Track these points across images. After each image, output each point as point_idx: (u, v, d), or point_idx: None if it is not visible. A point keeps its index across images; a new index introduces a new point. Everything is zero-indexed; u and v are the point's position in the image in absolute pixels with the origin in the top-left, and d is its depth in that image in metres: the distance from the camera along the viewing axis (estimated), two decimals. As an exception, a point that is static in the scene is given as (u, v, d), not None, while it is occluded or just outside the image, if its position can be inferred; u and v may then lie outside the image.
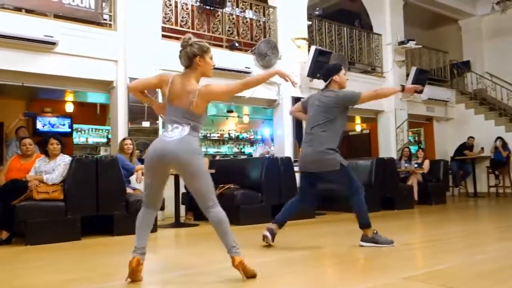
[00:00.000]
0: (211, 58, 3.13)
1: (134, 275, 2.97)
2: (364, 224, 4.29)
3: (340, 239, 5.11)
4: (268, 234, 4.40)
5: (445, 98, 12.05)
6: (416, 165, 9.25)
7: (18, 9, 6.34)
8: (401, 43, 10.70)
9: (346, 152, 13.64)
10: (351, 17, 11.70)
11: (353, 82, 9.93)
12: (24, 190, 4.83)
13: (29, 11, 6.41)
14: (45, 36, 6.09)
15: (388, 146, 10.68)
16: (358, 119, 12.76)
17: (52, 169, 5.08)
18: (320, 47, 8.93)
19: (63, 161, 5.14)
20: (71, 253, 4.42)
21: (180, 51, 3.08)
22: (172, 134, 2.99)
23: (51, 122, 9.95)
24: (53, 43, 6.17)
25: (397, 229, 6.01)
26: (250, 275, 2.96)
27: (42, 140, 7.08)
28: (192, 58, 3.04)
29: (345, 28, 10.28)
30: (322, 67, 8.67)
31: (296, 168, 7.24)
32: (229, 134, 12.58)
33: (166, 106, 3.07)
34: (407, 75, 10.92)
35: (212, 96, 3.09)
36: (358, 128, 13.51)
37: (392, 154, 10.08)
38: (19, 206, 4.72)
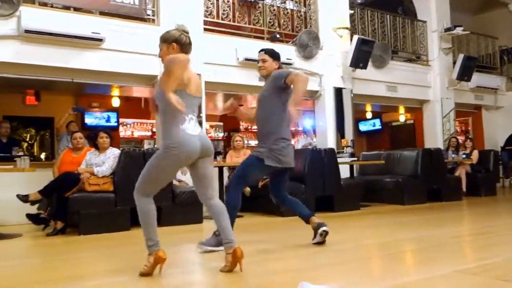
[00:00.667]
0: None
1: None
2: None
3: (386, 231, 5.03)
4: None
5: (495, 85, 11.57)
6: (464, 156, 8.96)
7: (66, 8, 6.55)
8: (448, 29, 10.35)
9: (389, 143, 13.41)
10: (394, 4, 11.38)
11: (396, 71, 9.78)
12: (77, 182, 5.04)
13: (76, 9, 6.62)
14: (92, 33, 6.27)
15: (434, 136, 10.39)
16: (401, 109, 12.45)
17: (102, 162, 5.26)
18: (362, 36, 8.77)
19: (113, 154, 5.31)
20: (121, 243, 4.56)
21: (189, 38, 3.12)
22: (197, 129, 3.03)
23: (98, 116, 10.29)
24: (100, 40, 6.35)
25: (445, 221, 5.86)
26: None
27: (92, 134, 7.32)
28: None
29: (388, 16, 10.04)
30: (365, 57, 8.61)
31: (340, 160, 7.20)
32: (270, 126, 12.59)
33: (183, 95, 2.91)
34: (454, 62, 10.57)
35: None
36: (402, 118, 13.19)
37: (438, 145, 9.80)
38: (72, 198, 4.92)
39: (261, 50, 4.02)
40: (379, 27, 9.83)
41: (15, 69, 6.24)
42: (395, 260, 3.52)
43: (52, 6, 6.44)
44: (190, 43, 3.11)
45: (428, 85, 10.45)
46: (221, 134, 11.32)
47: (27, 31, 5.89)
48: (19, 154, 6.13)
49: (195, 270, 3.48)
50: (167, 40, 3.08)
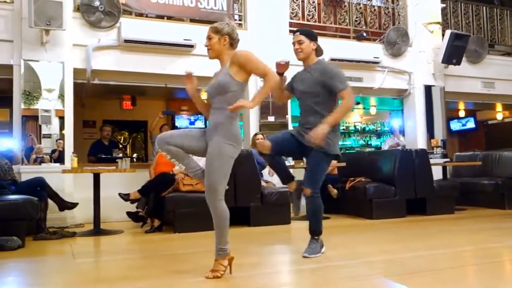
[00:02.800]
0: None
1: None
2: None
3: (484, 237, 4.72)
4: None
5: None
6: None
7: (160, 17, 6.93)
8: (553, 18, 9.50)
9: (484, 143, 12.56)
10: (490, -6, 10.68)
11: (493, 66, 9.15)
12: (172, 183, 5.30)
13: (169, 18, 6.97)
14: (184, 40, 6.57)
15: (538, 136, 9.58)
16: (499, 107, 11.61)
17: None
18: (456, 31, 8.32)
19: (204, 155, 5.51)
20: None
21: None
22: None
23: (188, 119, 10.74)
24: (191, 46, 6.63)
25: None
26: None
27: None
28: None
29: (483, 8, 9.42)
30: (459, 52, 8.16)
31: (431, 161, 6.89)
32: (354, 126, 12.34)
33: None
34: (561, 54, 9.67)
35: None
36: (499, 116, 12.31)
37: (542, 144, 9.03)
38: (168, 197, 5.18)
39: (296, 31, 3.76)
40: (474, 20, 9.26)
41: (115, 77, 6.71)
42: (494, 270, 3.28)
43: (147, 16, 6.84)
44: (239, 40, 3.17)
45: (530, 79, 9.66)
46: (305, 135, 11.30)
47: (126, 41, 6.31)
48: (119, 155, 6.58)
49: (283, 271, 3.52)
50: (220, 31, 3.11)
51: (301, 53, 3.62)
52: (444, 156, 8.34)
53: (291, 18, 7.58)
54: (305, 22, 7.69)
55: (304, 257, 3.54)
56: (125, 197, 5.27)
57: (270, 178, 6.33)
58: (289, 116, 7.33)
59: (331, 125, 3.44)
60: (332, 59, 7.51)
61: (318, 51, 3.68)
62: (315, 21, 7.77)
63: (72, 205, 5.36)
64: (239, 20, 7.34)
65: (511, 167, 7.27)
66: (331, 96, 3.58)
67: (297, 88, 3.73)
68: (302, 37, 3.61)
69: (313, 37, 3.64)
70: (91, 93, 7.85)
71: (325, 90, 3.56)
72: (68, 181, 5.92)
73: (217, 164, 2.95)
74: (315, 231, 3.67)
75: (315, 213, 3.66)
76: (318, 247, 3.64)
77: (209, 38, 3.13)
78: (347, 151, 10.82)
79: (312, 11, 7.77)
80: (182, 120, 10.76)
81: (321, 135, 3.38)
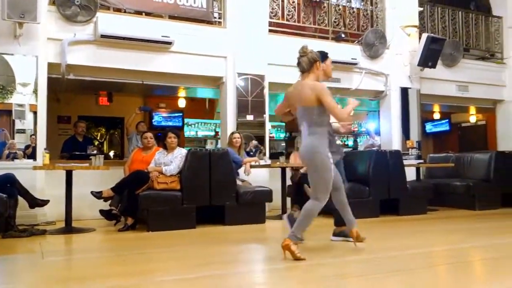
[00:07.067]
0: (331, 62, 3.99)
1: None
2: None
3: (455, 237, 4.80)
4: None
5: None
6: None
7: (138, 13, 6.84)
8: (526, 25, 9.72)
9: (458, 145, 12.81)
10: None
11: (468, 69, 9.35)
12: (146, 181, 5.24)
13: (147, 14, 6.88)
14: (162, 36, 6.50)
15: (509, 139, 9.79)
16: (472, 110, 11.85)
17: (170, 161, 5.44)
18: (432, 34, 8.45)
19: (180, 153, 5.48)
20: (188, 242, 4.67)
21: (300, 58, 3.73)
22: (303, 134, 3.67)
23: (165, 116, 10.65)
24: (169, 43, 6.56)
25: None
26: (295, 258, 3.37)
27: (159, 134, 7.60)
28: (313, 63, 3.71)
29: (459, 12, 9.60)
30: (435, 55, 8.30)
31: (406, 162, 6.98)
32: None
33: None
34: (533, 60, 9.90)
35: (318, 94, 3.55)
36: (472, 119, 12.56)
37: (514, 147, 9.24)
38: (142, 195, 5.13)
39: None
40: (450, 24, 9.42)
41: (91, 72, 6.60)
42: (465, 270, 3.37)
43: (125, 11, 6.74)
44: (299, 63, 3.76)
45: (502, 84, 9.88)
46: (283, 135, 11.32)
47: (103, 36, 6.20)
48: (94, 152, 6.48)
49: (256, 270, 3.52)
50: None
51: None
52: (419, 157, 8.47)
53: (270, 18, 7.58)
54: (285, 22, 7.71)
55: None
56: (97, 195, 5.19)
57: (246, 177, 6.32)
58: (266, 115, 7.33)
59: None
60: (310, 60, 7.53)
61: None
62: (294, 21, 7.79)
63: (43, 202, 5.25)
64: (218, 18, 7.30)
65: (483, 169, 7.43)
66: None
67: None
68: None
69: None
70: (67, 88, 7.69)
71: None
72: (40, 178, 5.80)
73: None
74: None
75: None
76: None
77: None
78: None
79: (291, 11, 7.78)
80: (159, 117, 10.67)
81: None
